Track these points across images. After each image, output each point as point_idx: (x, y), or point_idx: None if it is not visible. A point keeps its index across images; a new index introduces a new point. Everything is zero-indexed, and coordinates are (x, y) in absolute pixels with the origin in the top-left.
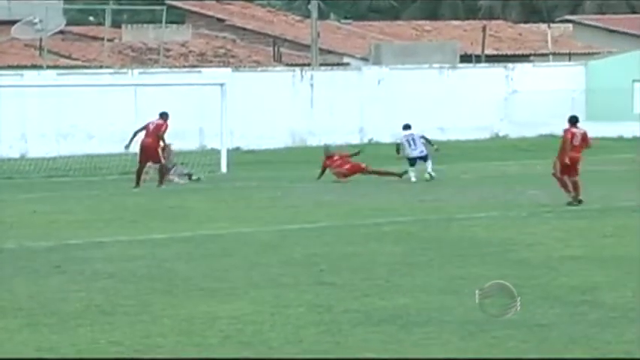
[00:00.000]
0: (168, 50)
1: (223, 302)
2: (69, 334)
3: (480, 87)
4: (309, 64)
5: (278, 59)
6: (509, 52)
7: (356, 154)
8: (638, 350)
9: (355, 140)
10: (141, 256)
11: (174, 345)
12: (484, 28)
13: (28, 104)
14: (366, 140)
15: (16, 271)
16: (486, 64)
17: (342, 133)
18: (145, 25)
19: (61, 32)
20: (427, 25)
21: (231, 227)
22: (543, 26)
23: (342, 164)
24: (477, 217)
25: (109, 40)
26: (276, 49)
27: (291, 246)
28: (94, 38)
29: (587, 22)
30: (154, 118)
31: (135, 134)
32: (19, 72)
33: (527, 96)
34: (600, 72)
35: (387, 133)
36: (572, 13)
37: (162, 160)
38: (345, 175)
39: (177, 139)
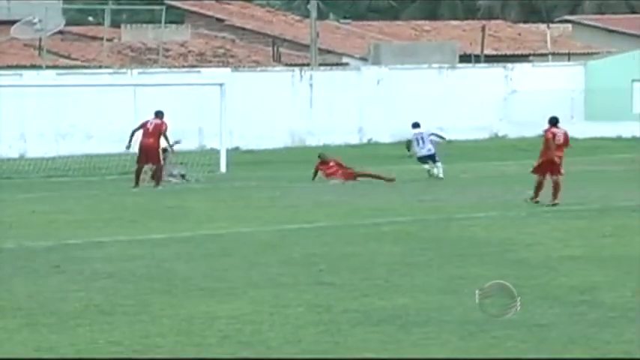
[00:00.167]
0: (167, 50)
1: (222, 302)
2: (68, 334)
3: (479, 87)
4: (308, 64)
5: (277, 59)
6: (508, 52)
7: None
8: (637, 350)
9: (354, 140)
10: (140, 255)
11: (174, 345)
12: (483, 28)
13: (27, 104)
14: (365, 140)
15: (15, 271)
16: (485, 64)
17: (341, 133)
18: (144, 25)
19: (61, 32)
20: (426, 25)
21: (230, 227)
22: (542, 26)
23: (335, 171)
24: (476, 217)
25: (108, 40)
26: (275, 49)
27: (290, 246)
28: (94, 38)
29: (586, 22)
30: (149, 117)
31: (133, 134)
32: (19, 72)
33: (527, 96)
34: (599, 72)
35: (386, 133)
36: (572, 13)
37: (162, 162)
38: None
39: (177, 139)
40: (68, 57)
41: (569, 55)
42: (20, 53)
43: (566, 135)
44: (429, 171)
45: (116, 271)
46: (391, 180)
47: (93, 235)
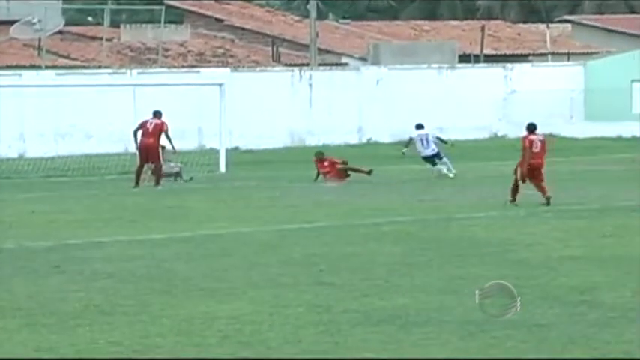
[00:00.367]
0: (166, 50)
1: (222, 302)
2: (68, 334)
3: (478, 87)
4: (307, 64)
5: (277, 59)
6: (507, 52)
7: (344, 163)
8: (637, 350)
9: (354, 140)
10: (140, 255)
11: (173, 345)
12: (483, 28)
13: (26, 104)
14: (364, 140)
15: (15, 271)
16: (485, 64)
17: (340, 133)
18: (144, 25)
19: (60, 32)
20: (426, 25)
21: (230, 227)
22: (542, 26)
23: (329, 171)
24: (476, 217)
25: (107, 40)
26: (274, 49)
27: (290, 246)
28: (93, 38)
29: (585, 22)
30: (147, 117)
31: (135, 135)
32: (18, 72)
33: (526, 96)
34: (599, 72)
35: (386, 133)
36: (571, 13)
37: (162, 162)
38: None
39: (176, 138)
40: (68, 57)
41: (568, 55)
42: (20, 53)
43: (543, 142)
44: (440, 172)
45: (116, 271)
46: (370, 172)
47: (93, 235)
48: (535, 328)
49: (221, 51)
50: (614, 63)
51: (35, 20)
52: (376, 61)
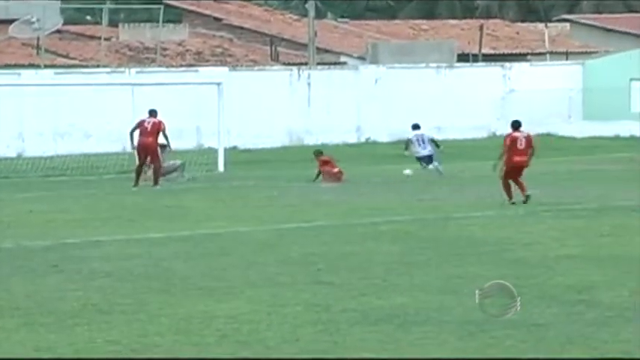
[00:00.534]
0: (165, 49)
1: (221, 301)
2: (66, 334)
3: (477, 86)
4: (306, 63)
5: (275, 58)
6: (506, 52)
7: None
8: (635, 349)
9: (352, 139)
10: (138, 255)
11: (172, 344)
12: (481, 27)
13: (25, 103)
14: (363, 139)
15: (13, 271)
16: (483, 64)
17: (339, 132)
18: (142, 24)
19: (59, 31)
20: (424, 24)
21: (228, 226)
22: (540, 25)
23: (330, 169)
24: (475, 216)
25: (106, 39)
26: (273, 48)
27: (288, 245)
28: (91, 37)
29: (584, 21)
30: (144, 116)
31: (132, 134)
32: (17, 71)
33: (525, 95)
34: (597, 71)
35: (384, 132)
36: (570, 12)
37: (161, 161)
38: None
39: (174, 138)
40: (66, 56)
41: (567, 55)
42: (18, 52)
43: (528, 138)
44: (436, 168)
45: (114, 271)
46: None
47: (91, 235)
48: (533, 328)
49: (219, 50)
50: (612, 62)
51: (34, 19)
52: (375, 61)
